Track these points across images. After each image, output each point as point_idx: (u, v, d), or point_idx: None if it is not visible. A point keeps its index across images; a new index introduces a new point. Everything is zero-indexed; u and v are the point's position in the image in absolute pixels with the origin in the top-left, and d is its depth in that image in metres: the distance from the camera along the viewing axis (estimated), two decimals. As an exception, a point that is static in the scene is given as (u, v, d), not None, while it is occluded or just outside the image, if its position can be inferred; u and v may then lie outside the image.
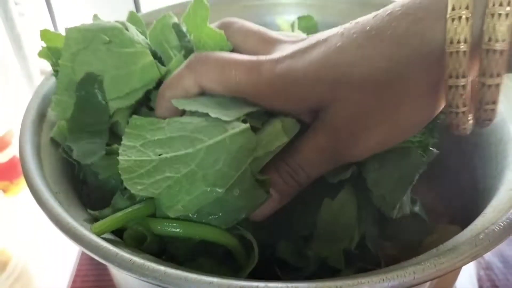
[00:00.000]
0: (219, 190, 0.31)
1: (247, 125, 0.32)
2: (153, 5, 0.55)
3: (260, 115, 0.35)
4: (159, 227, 0.32)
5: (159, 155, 0.32)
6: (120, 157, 0.32)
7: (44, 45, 0.42)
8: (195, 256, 0.34)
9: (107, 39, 0.40)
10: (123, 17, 0.53)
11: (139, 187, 0.31)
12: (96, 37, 0.40)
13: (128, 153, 0.32)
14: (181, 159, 0.31)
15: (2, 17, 0.65)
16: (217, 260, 0.34)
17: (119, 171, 0.31)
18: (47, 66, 0.44)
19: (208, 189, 0.31)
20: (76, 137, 0.38)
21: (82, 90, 0.39)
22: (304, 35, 0.40)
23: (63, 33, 0.40)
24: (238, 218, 0.33)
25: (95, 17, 0.44)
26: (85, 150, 0.38)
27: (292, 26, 0.58)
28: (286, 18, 0.58)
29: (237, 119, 0.33)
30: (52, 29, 0.69)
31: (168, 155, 0.32)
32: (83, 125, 0.39)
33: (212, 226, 0.33)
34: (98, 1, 0.78)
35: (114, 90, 0.40)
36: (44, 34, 0.42)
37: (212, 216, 0.32)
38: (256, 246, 0.33)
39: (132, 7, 0.79)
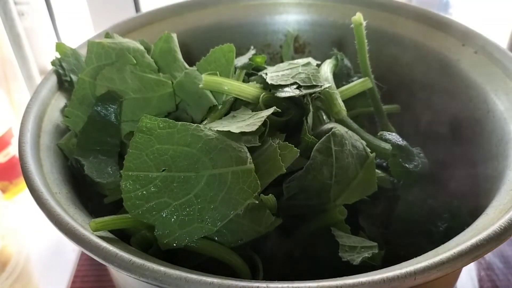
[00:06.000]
0: (212, 228, 0.32)
1: (252, 166, 0.32)
2: (153, 5, 0.55)
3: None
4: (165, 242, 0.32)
5: (162, 170, 0.32)
6: (124, 171, 0.31)
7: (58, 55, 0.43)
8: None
9: (134, 61, 0.41)
10: (122, 17, 0.53)
11: (137, 211, 0.31)
12: (123, 56, 0.41)
13: (133, 164, 0.32)
14: (182, 182, 0.32)
15: (2, 17, 0.64)
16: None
17: (121, 188, 0.31)
18: (47, 66, 0.44)
19: (201, 225, 0.32)
20: (84, 152, 0.39)
21: (99, 106, 0.40)
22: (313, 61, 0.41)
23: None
24: (243, 238, 0.33)
25: (108, 35, 0.45)
26: (96, 167, 0.38)
27: (288, 43, 0.58)
28: (286, 18, 0.58)
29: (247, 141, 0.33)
30: (51, 29, 0.69)
31: (170, 174, 0.32)
32: (93, 141, 0.39)
33: (219, 244, 0.33)
34: (98, 0, 0.78)
35: (129, 113, 0.40)
36: (59, 46, 0.43)
37: (217, 233, 0.33)
38: (262, 270, 0.33)
39: (132, 7, 0.79)
